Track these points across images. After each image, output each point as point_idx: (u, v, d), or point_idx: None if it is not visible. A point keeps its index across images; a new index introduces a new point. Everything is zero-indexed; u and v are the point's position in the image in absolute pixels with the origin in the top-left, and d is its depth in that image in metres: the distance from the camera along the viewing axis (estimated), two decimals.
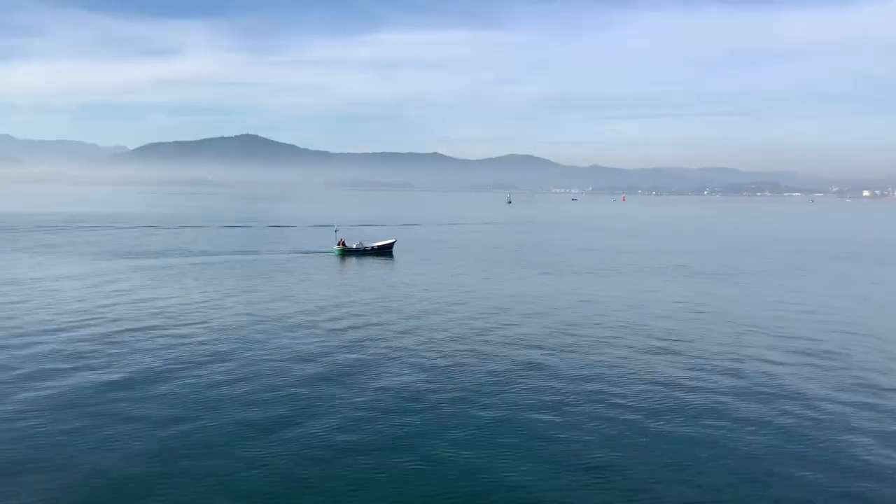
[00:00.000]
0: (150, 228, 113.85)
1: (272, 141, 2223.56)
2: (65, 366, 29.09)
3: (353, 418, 24.08)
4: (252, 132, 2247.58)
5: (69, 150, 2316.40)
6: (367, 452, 21.15)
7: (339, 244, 75.82)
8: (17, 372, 28.02)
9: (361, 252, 75.71)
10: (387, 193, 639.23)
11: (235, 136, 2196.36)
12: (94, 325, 36.89)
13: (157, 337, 34.76)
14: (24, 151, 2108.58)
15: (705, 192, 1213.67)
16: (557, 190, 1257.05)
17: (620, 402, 25.90)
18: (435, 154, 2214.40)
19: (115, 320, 38.28)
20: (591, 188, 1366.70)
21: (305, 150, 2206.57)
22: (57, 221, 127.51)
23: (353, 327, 38.36)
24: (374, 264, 69.20)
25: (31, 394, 25.51)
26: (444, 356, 32.52)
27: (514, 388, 27.76)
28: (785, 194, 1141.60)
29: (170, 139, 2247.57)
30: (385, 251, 77.00)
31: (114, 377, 27.98)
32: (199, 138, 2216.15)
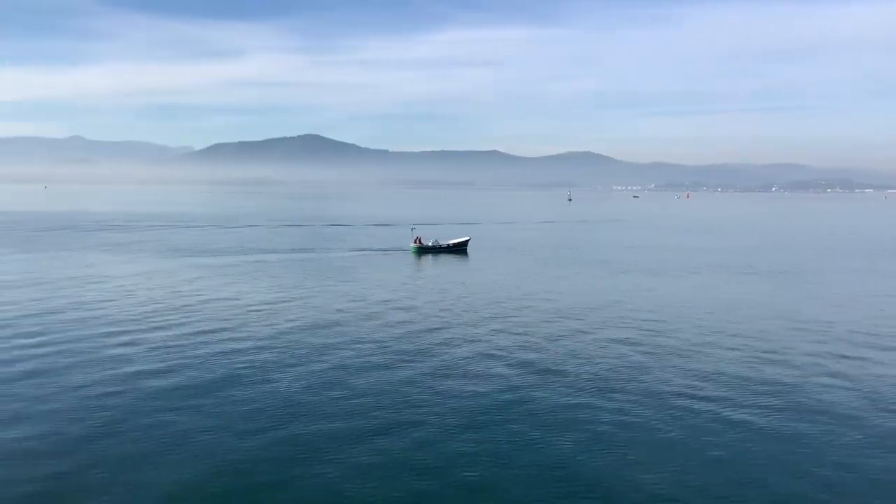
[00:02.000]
0: (214, 227, 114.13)
1: (333, 140, 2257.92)
2: (147, 367, 27.31)
3: (466, 421, 23.08)
4: (314, 132, 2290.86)
5: (138, 151, 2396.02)
6: (483, 457, 20.04)
7: (415, 242, 76.82)
8: (94, 372, 26.32)
9: (437, 250, 76.32)
10: (446, 192, 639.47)
11: (298, 135, 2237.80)
12: (170, 323, 35.44)
13: (246, 336, 33.13)
14: (94, 152, 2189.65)
15: (773, 189, 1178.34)
16: (618, 187, 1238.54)
17: (743, 405, 22.63)
18: (493, 152, 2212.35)
19: (200, 320, 36.75)
20: (653, 185, 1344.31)
21: (365, 149, 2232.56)
22: (124, 220, 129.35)
23: (443, 326, 37.33)
24: (449, 262, 69.28)
25: (116, 391, 23.71)
26: (541, 354, 31.16)
27: (622, 387, 26.43)
28: (856, 191, 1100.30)
29: (234, 139, 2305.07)
30: (460, 249, 77.38)
31: (203, 378, 26.73)
32: (262, 138, 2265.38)
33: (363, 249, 79.37)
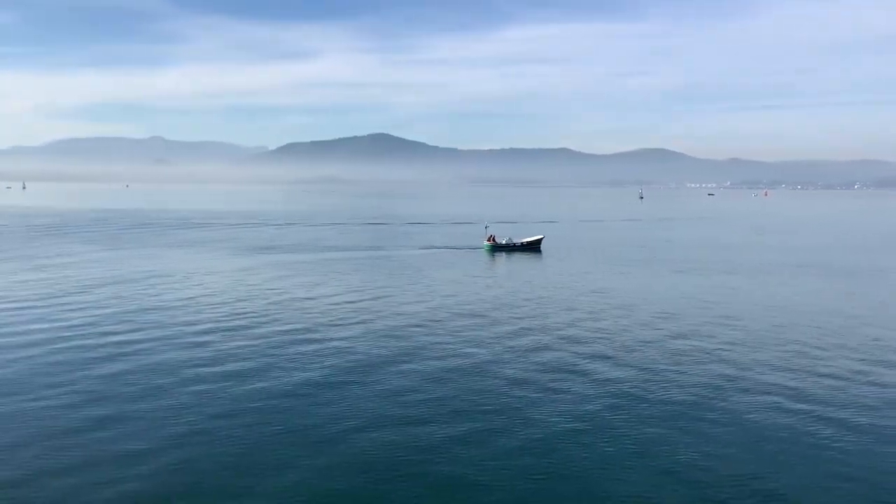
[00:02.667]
0: (287, 225, 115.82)
1: (402, 139, 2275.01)
2: (223, 367, 27.36)
3: (565, 424, 22.19)
4: (383, 131, 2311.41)
5: (214, 151, 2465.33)
6: (591, 462, 18.79)
7: (488, 240, 76.12)
8: (172, 370, 26.48)
9: (510, 248, 75.42)
10: (515, 190, 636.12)
11: (368, 134, 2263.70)
12: (245, 320, 35.49)
13: (323, 334, 32.68)
14: (173, 152, 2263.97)
15: (856, 187, 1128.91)
16: (692, 185, 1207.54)
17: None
18: (562, 149, 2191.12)
19: (276, 318, 36.71)
20: (728, 182, 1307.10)
21: (435, 148, 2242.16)
22: (201, 218, 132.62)
23: (520, 328, 36.07)
24: (523, 260, 68.36)
25: (199, 390, 23.79)
26: (630, 356, 29.61)
27: (721, 393, 24.57)
28: None
29: (307, 139, 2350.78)
30: (533, 247, 76.34)
31: (283, 378, 26.30)
32: (333, 137, 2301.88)
33: (435, 247, 78.99)
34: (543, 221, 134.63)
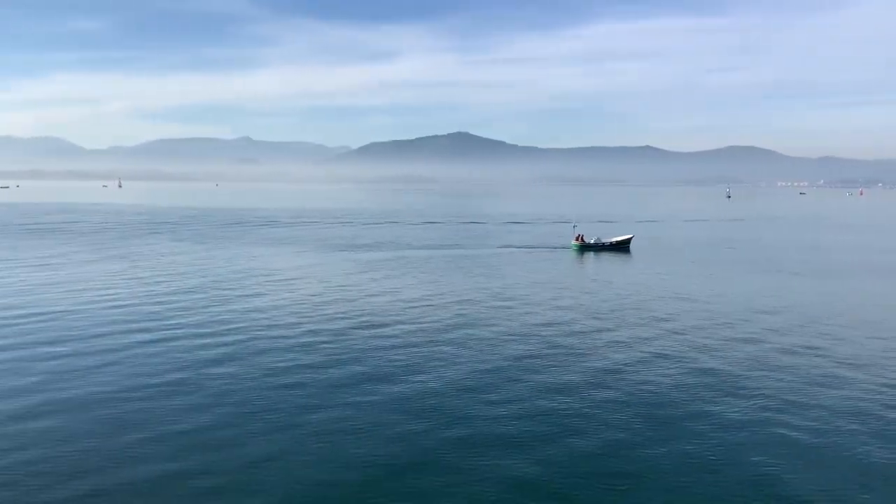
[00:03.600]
0: (369, 224, 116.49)
1: (482, 138, 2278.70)
2: (312, 359, 26.83)
3: (650, 429, 20.99)
4: (464, 129, 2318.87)
5: (299, 150, 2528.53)
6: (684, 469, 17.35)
7: (576, 239, 74.88)
8: (257, 363, 26.13)
9: (599, 247, 73.89)
10: (597, 189, 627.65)
11: (448, 133, 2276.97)
12: (324, 316, 35.09)
13: (408, 331, 31.86)
14: (260, 152, 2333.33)
15: None
16: (783, 183, 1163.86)
17: None
18: (647, 147, 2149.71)
19: (356, 314, 36.22)
20: (822, 181, 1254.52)
21: (514, 147, 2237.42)
22: (286, 217, 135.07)
23: (611, 326, 34.85)
24: (612, 260, 66.67)
25: (277, 382, 23.30)
26: (720, 361, 27.89)
27: (815, 400, 22.62)
28: None
29: (388, 139, 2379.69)
30: (622, 247, 74.56)
31: (362, 373, 25.67)
32: (414, 137, 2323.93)
33: (519, 247, 77.63)
34: (628, 221, 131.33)
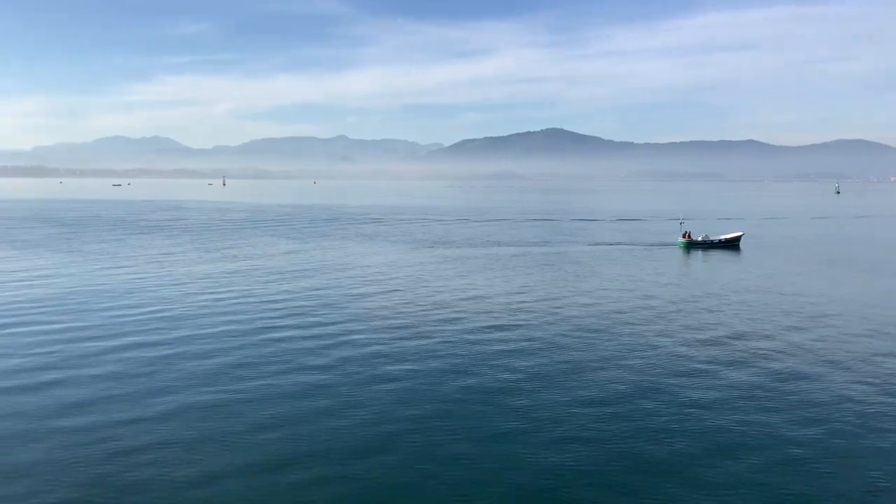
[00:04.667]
0: (460, 220, 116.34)
1: (576, 133, 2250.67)
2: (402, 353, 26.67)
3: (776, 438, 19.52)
4: (557, 125, 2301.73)
5: (393, 148, 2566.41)
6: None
7: (683, 237, 72.84)
8: (364, 356, 26.19)
9: (707, 245, 71.64)
10: (696, 184, 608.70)
11: (541, 130, 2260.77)
12: (413, 314, 34.97)
13: (507, 331, 31.39)
14: (355, 150, 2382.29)
15: None
16: None
17: None
18: (749, 141, 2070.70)
19: (449, 312, 35.89)
20: None
21: (609, 142, 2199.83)
22: (378, 213, 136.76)
23: (729, 327, 32.14)
24: (721, 258, 64.31)
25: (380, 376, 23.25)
26: (851, 372, 25.87)
27: None
28: None
29: (480, 136, 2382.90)
30: (732, 245, 72.20)
31: (467, 375, 24.87)
32: (507, 133, 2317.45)
33: (615, 243, 75.97)
34: (732, 218, 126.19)
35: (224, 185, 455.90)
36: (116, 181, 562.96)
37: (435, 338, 31.55)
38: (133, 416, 21.47)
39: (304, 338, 31.27)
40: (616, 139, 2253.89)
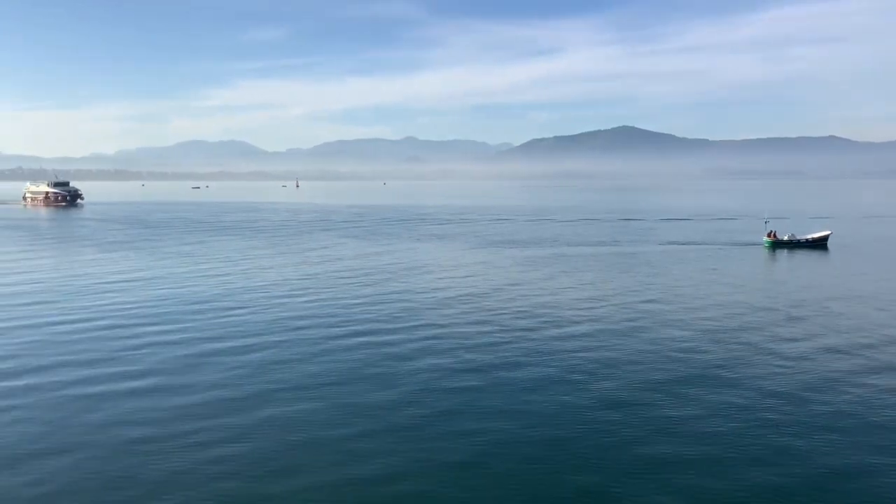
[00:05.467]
0: (529, 221, 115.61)
1: (648, 131, 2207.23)
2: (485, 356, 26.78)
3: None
4: (628, 123, 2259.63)
5: (462, 149, 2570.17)
6: None
7: (769, 236, 71.18)
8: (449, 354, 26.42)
9: (793, 244, 69.88)
10: (774, 182, 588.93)
11: (612, 128, 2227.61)
12: (486, 315, 34.89)
13: (581, 332, 31.24)
14: (425, 151, 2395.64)
15: None
16: None
17: None
18: (830, 137, 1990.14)
19: (518, 313, 35.77)
20: None
21: (683, 139, 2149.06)
22: (447, 214, 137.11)
23: (803, 330, 31.76)
24: (808, 258, 62.52)
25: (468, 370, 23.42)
26: None
27: None
28: None
29: (550, 135, 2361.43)
30: (819, 244, 70.21)
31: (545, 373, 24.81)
32: (577, 132, 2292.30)
33: (702, 244, 74.37)
34: (816, 217, 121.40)
35: (297, 186, 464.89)
36: (195, 184, 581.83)
37: (505, 340, 31.39)
38: (234, 421, 21.97)
39: (389, 343, 31.45)
40: (690, 136, 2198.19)
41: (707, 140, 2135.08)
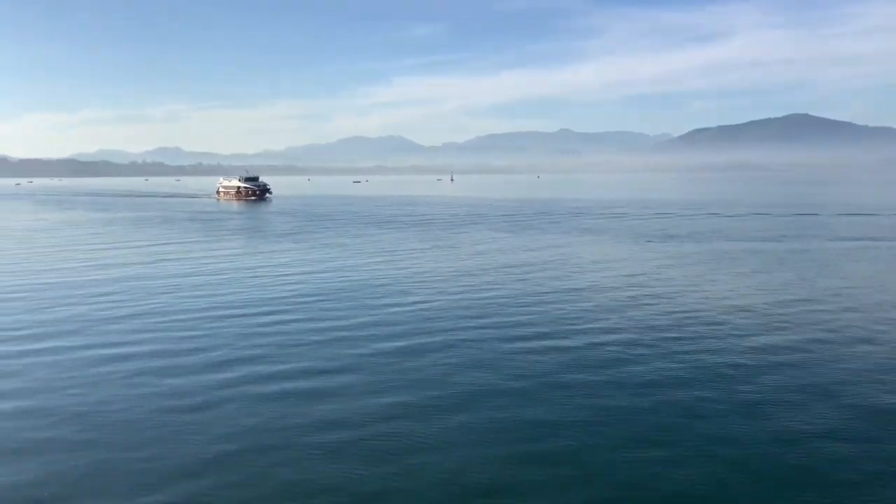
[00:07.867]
0: (690, 215, 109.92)
1: (823, 119, 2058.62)
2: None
3: None
4: (801, 111, 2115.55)
5: (619, 140, 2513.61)
6: None
7: None
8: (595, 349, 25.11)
9: None
10: None
11: (783, 115, 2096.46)
12: (643, 312, 32.86)
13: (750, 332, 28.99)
14: (580, 143, 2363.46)
15: None
16: None
17: None
18: None
19: (676, 312, 33.43)
20: None
21: (864, 127, 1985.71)
22: (600, 207, 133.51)
23: None
24: None
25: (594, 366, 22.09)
26: None
27: None
28: None
29: (713, 124, 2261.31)
30: None
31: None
32: (743, 121, 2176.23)
33: (864, 238, 68.64)
34: None
35: (452, 180, 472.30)
36: (356, 178, 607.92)
37: (663, 340, 29.28)
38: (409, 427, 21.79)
39: (571, 348, 30.40)
40: (871, 124, 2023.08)
41: (891, 128, 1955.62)
